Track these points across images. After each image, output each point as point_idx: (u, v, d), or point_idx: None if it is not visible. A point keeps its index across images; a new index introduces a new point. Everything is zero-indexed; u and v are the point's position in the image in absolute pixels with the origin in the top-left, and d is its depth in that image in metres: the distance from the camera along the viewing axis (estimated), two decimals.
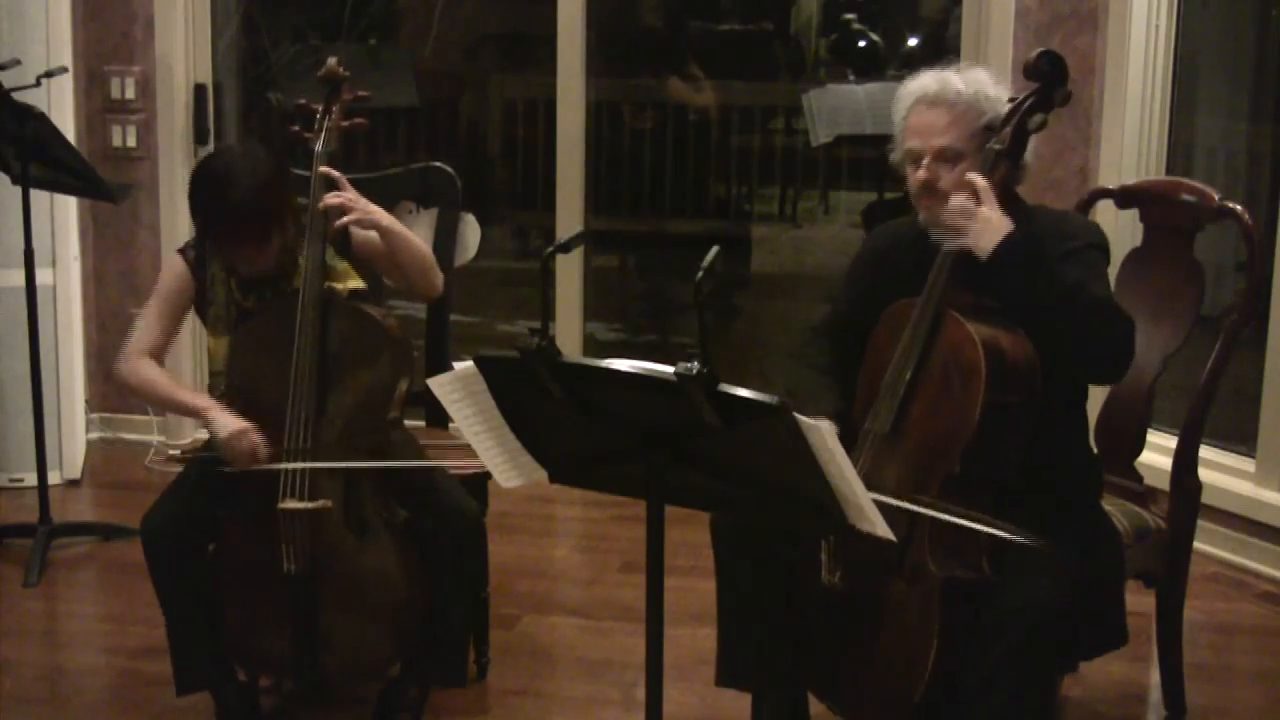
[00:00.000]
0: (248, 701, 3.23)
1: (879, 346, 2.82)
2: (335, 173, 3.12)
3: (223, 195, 2.99)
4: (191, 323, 3.34)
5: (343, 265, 3.18)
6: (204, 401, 3.09)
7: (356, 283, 3.18)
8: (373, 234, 3.14)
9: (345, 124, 3.21)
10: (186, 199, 3.08)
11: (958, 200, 2.69)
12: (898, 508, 2.53)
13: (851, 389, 2.90)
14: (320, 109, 3.20)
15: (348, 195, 3.08)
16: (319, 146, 3.16)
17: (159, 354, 3.20)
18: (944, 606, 2.58)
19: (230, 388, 3.13)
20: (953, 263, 2.71)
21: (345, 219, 3.06)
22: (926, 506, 2.55)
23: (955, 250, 2.69)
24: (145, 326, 3.20)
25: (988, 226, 2.66)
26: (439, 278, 3.24)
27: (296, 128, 3.18)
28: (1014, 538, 2.49)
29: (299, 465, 2.99)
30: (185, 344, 4.84)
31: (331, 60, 3.23)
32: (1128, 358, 2.69)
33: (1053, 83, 2.74)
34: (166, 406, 3.13)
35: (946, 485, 2.62)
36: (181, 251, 3.23)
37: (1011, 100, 2.77)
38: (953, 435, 2.63)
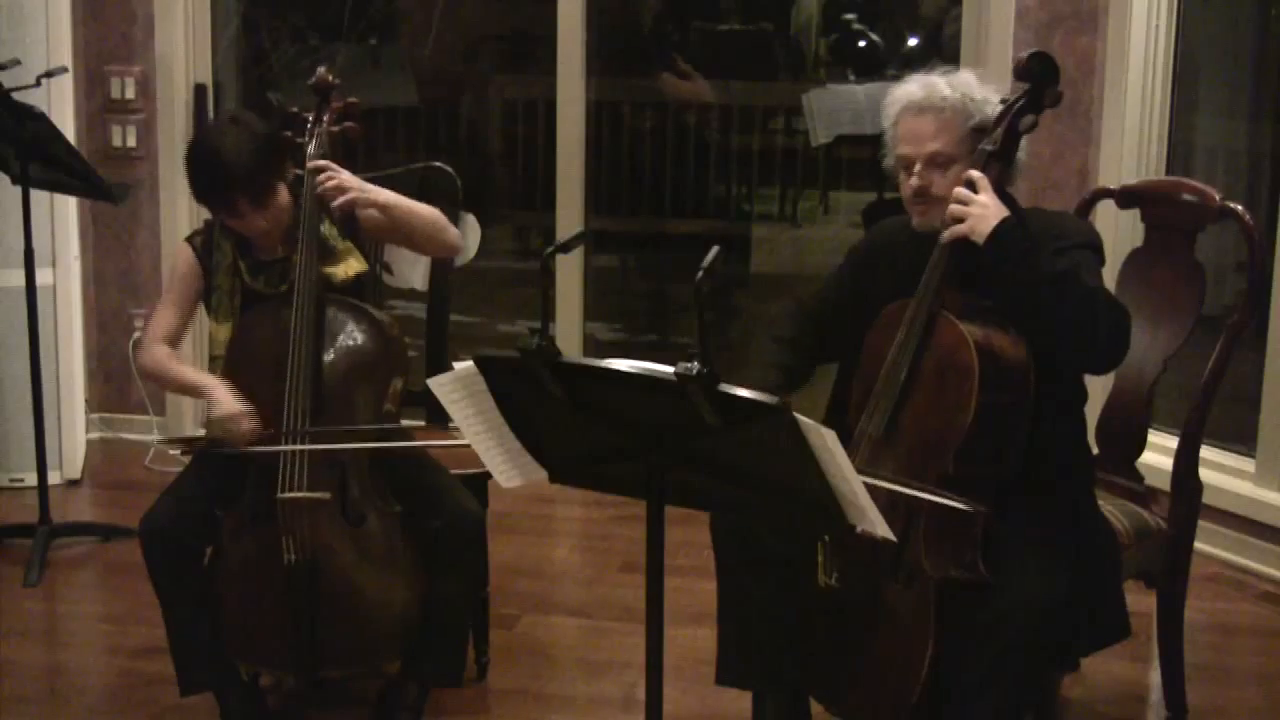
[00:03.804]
0: (252, 702, 3.22)
1: (874, 349, 2.81)
2: (323, 162, 3.16)
3: (216, 155, 3.04)
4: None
5: (344, 245, 3.21)
6: (209, 380, 3.15)
7: (358, 265, 3.21)
8: (374, 211, 3.18)
9: (336, 129, 3.28)
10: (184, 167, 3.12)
11: (958, 190, 2.69)
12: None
13: (804, 371, 2.96)
14: (312, 116, 3.28)
15: (342, 176, 3.13)
16: (311, 150, 3.22)
17: (174, 340, 3.28)
18: (940, 607, 2.58)
19: (229, 373, 3.15)
20: (946, 263, 2.71)
21: (343, 199, 3.11)
22: (884, 480, 2.55)
23: (950, 239, 2.69)
24: (159, 315, 3.30)
25: (985, 212, 2.66)
26: (454, 235, 3.30)
27: (289, 133, 3.23)
28: (956, 504, 2.50)
29: (297, 447, 3.03)
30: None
31: (321, 69, 3.32)
32: (1122, 345, 2.66)
33: (1043, 83, 2.74)
34: (174, 386, 3.36)
35: (940, 485, 2.61)
36: (189, 240, 3.29)
37: (1003, 101, 2.77)
38: (946, 436, 2.63)
